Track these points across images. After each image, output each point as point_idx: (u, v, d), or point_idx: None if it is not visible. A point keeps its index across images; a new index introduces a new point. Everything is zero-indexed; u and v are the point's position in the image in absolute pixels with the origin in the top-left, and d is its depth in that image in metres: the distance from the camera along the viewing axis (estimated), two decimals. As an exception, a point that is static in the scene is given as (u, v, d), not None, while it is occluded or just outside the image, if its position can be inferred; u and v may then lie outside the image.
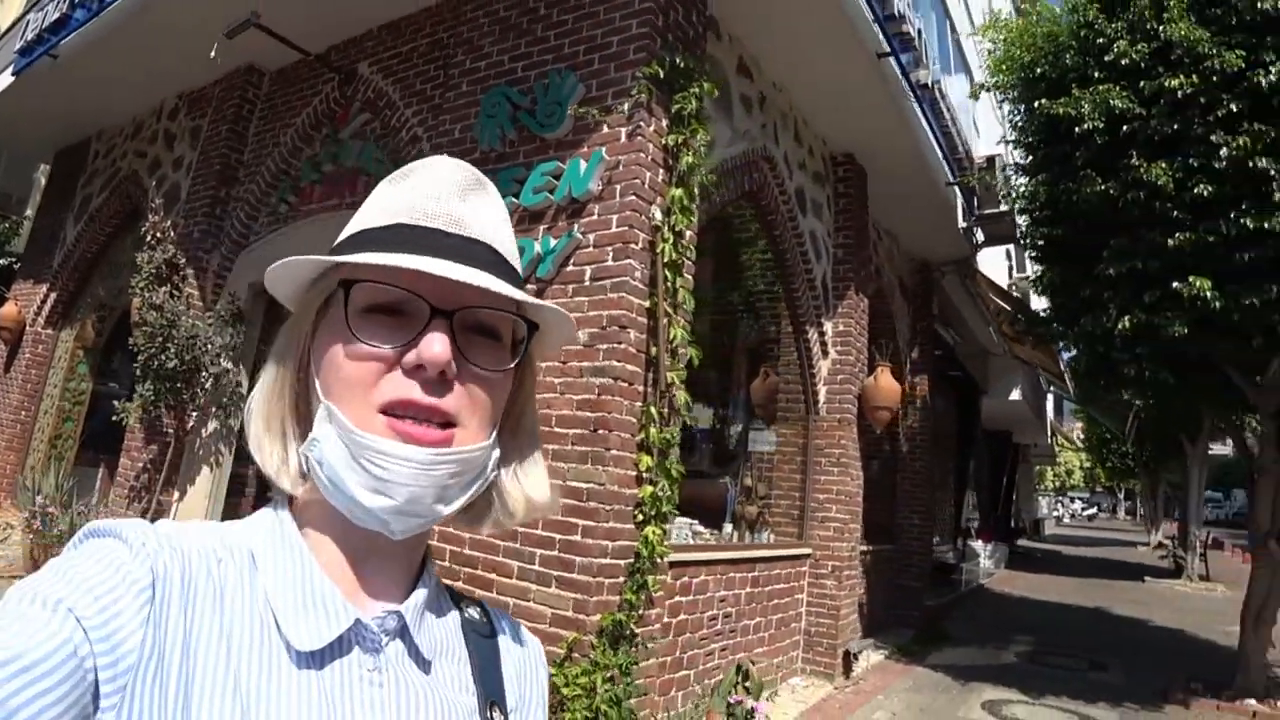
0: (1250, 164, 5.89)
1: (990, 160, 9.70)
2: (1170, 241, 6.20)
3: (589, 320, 4.16)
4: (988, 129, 13.33)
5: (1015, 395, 16.02)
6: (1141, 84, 6.48)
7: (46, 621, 0.54)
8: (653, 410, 4.24)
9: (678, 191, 4.35)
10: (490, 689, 0.77)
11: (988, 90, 8.56)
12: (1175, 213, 6.24)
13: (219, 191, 7.20)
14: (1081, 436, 43.92)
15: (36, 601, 0.56)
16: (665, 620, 4.83)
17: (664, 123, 4.48)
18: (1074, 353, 8.37)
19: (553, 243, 4.36)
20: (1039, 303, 10.08)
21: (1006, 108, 8.25)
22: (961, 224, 9.67)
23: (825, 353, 7.37)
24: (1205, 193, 6.06)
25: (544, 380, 4.19)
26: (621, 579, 4.04)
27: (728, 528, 6.87)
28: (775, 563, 6.61)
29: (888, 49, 6.46)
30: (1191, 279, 6.01)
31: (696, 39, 5.04)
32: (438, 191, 0.74)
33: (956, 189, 8.99)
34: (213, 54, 6.13)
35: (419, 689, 0.70)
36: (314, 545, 0.71)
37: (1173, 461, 22.90)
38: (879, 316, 9.33)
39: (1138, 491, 40.85)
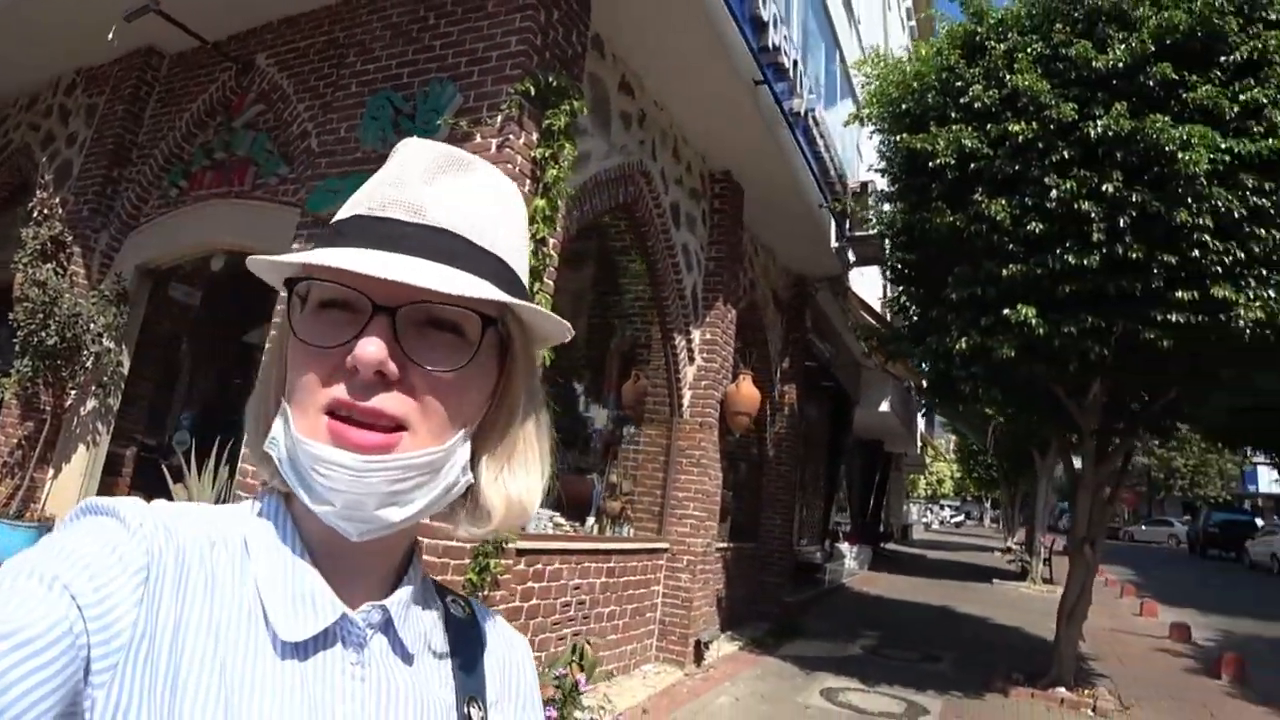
0: (1075, 205, 6.39)
1: (864, 186, 10.18)
2: (1005, 272, 6.68)
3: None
4: (870, 154, 13.90)
5: (885, 407, 16.68)
6: (989, 127, 6.94)
7: (43, 598, 0.54)
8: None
9: (541, 202, 4.53)
10: (470, 684, 0.77)
11: (860, 121, 8.97)
12: (1011, 246, 6.72)
13: (111, 171, 7.05)
14: (954, 448, 45.72)
15: (34, 577, 0.55)
16: (515, 604, 5.02)
17: (534, 136, 4.66)
18: (924, 368, 8.85)
19: (421, 242, 4.50)
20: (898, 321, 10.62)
21: (877, 138, 8.66)
22: (834, 244, 10.12)
23: (691, 359, 7.66)
24: (1037, 230, 6.55)
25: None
26: (466, 560, 4.20)
27: (590, 521, 7.09)
28: (632, 555, 6.86)
29: (762, 77, 6.77)
30: (1019, 307, 6.49)
31: (575, 58, 5.23)
32: (401, 176, 0.71)
33: (829, 210, 9.41)
34: (110, 37, 6.05)
35: (400, 683, 0.70)
36: (305, 536, 0.70)
37: (1028, 473, 24.04)
38: (751, 327, 9.69)
39: (1000, 501, 42.63)
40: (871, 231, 9.31)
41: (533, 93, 4.59)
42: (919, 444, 26.61)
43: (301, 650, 0.64)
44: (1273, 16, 6.67)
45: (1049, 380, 7.51)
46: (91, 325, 6.31)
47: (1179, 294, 6.20)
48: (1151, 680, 8.91)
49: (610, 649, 6.45)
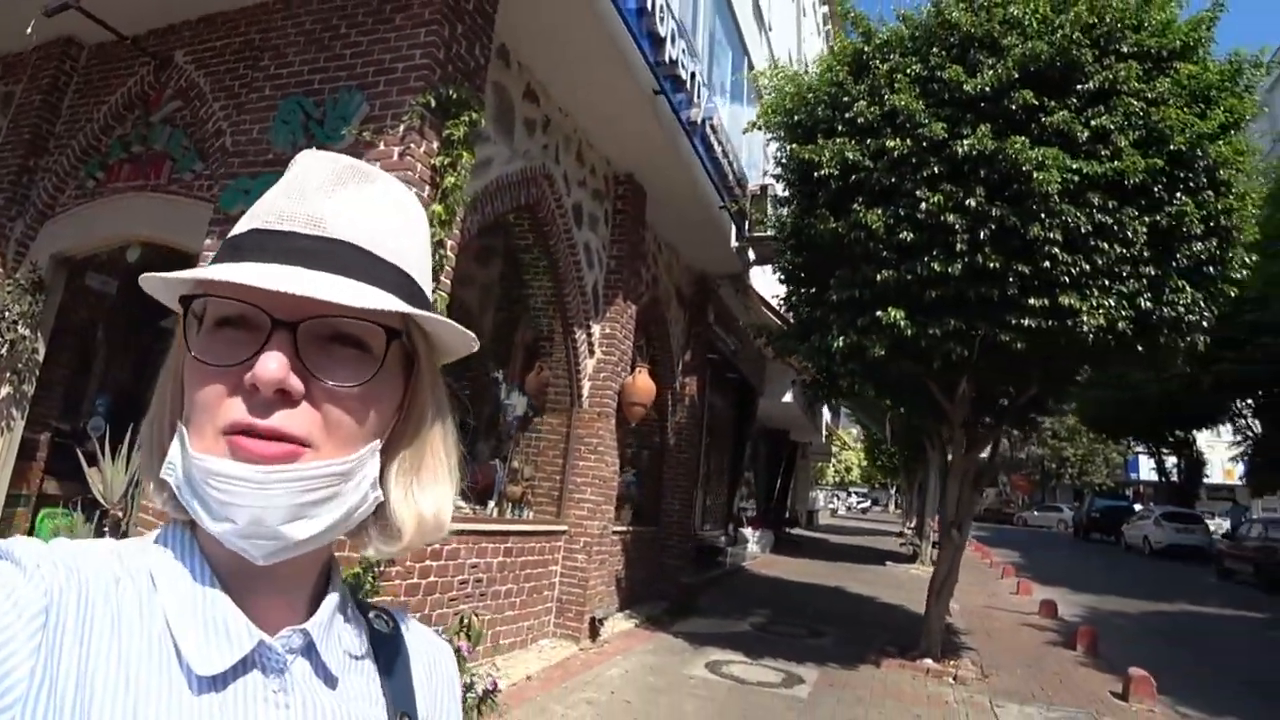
0: (942, 217, 6.87)
1: (763, 189, 10.58)
2: (879, 277, 7.14)
3: (350, 315, 4.51)
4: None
5: (788, 398, 17.19)
6: (870, 141, 7.38)
7: None
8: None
9: (438, 207, 4.78)
10: (399, 699, 0.75)
11: (758, 129, 9.36)
12: (885, 253, 7.17)
13: (28, 160, 6.99)
14: (861, 436, 47.02)
15: None
16: (413, 580, 5.28)
17: (434, 145, 4.89)
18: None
19: (326, 243, 4.70)
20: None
21: (774, 145, 9.07)
22: (734, 243, 10.52)
23: (591, 352, 7.98)
24: (908, 238, 7.01)
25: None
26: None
27: (491, 504, 7.37)
28: (530, 536, 7.16)
29: (659, 88, 7.10)
30: (890, 309, 6.96)
31: (477, 70, 5.46)
32: (300, 188, 0.68)
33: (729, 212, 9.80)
34: (29, 31, 6.05)
35: (326, 706, 0.67)
36: (214, 563, 0.66)
37: (923, 461, 24.96)
38: (654, 321, 10.04)
39: (901, 487, 44.00)
40: (768, 233, 9.72)
41: (433, 105, 4.83)
42: (824, 434, 27.37)
43: (219, 682, 0.62)
44: (1125, 50, 7.24)
45: (920, 377, 8.04)
46: (6, 313, 6.33)
47: (1031, 301, 6.73)
48: (1013, 652, 9.57)
49: (508, 624, 6.75)
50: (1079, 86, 7.13)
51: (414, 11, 5.07)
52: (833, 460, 46.20)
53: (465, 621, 5.33)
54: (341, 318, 0.64)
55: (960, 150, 6.91)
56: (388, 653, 0.77)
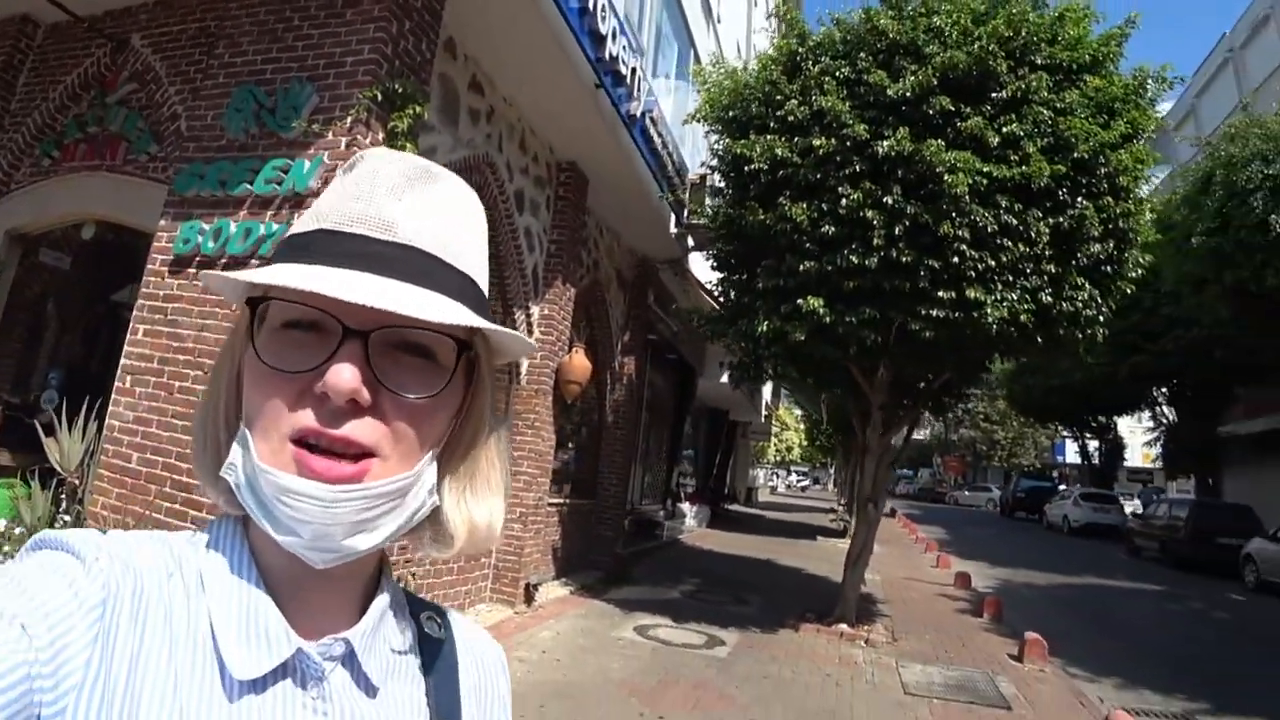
0: (862, 213, 7.26)
1: (702, 178, 10.88)
2: (802, 267, 7.52)
3: (298, 296, 4.73)
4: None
5: (726, 378, 17.60)
6: (798, 139, 7.73)
7: (3, 638, 0.52)
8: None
9: (383, 196, 4.99)
10: (444, 708, 0.73)
11: (697, 121, 9.64)
12: (808, 245, 7.55)
13: (-17, 138, 6.99)
14: (803, 417, 47.82)
15: None
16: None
17: (380, 136, 5.11)
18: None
19: (275, 227, 4.89)
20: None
21: (712, 138, 9.38)
22: (673, 230, 10.83)
23: (530, 333, 8.26)
24: (829, 232, 7.40)
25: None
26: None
27: (433, 476, 7.63)
28: (469, 507, 7.43)
29: (600, 83, 7.35)
30: (810, 298, 7.34)
31: (424, 64, 5.67)
32: (369, 190, 0.66)
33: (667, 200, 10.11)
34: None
35: (365, 716, 0.66)
36: (262, 564, 0.66)
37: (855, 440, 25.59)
38: (595, 303, 10.34)
39: (838, 466, 44.91)
40: (703, 221, 10.04)
41: (380, 99, 5.05)
42: (763, 414, 27.93)
43: (258, 686, 0.61)
44: (1038, 61, 7.67)
45: (841, 361, 8.45)
46: (-40, 289, 6.40)
47: (941, 293, 7.17)
48: (925, 619, 10.10)
49: (445, 589, 7.03)
50: (993, 95, 7.55)
51: (363, 7, 5.23)
52: (774, 440, 46.92)
53: (401, 584, 5.60)
54: (412, 328, 0.63)
55: (881, 151, 7.29)
56: (435, 658, 0.75)
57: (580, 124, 7.91)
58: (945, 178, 7.01)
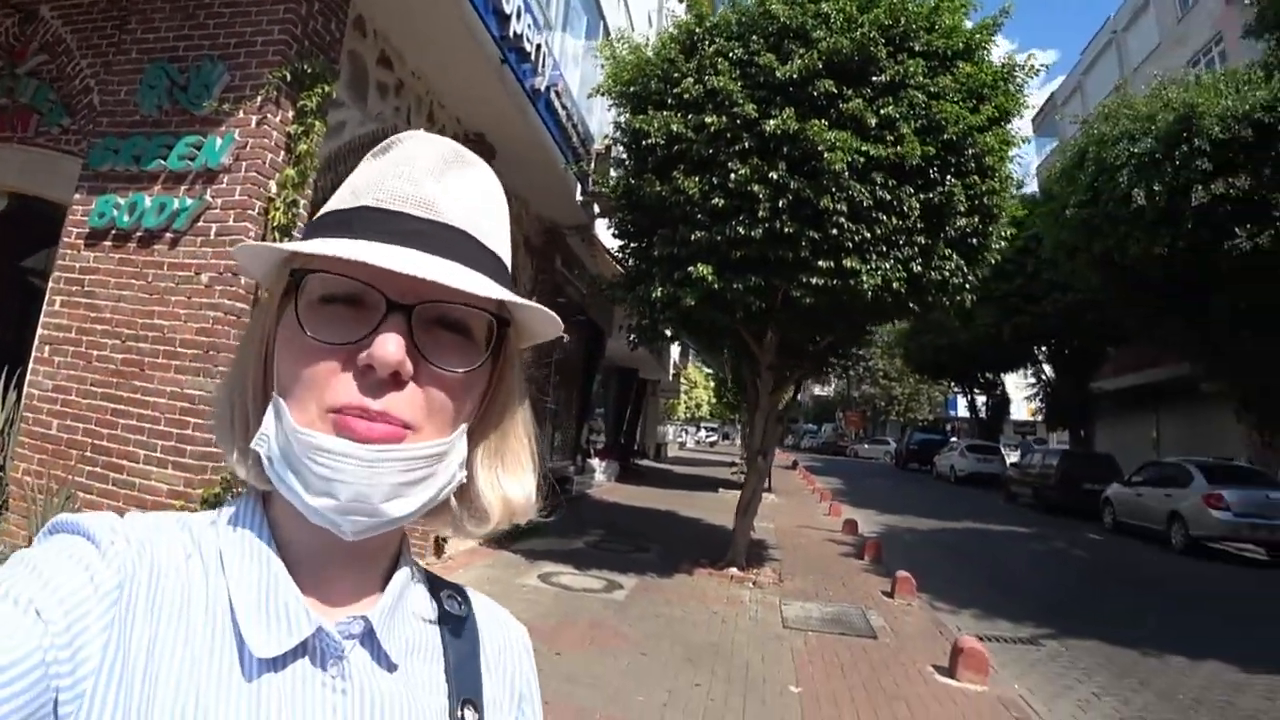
0: (749, 187, 7.68)
1: (608, 149, 11.17)
2: (693, 237, 7.94)
3: (210, 267, 4.93)
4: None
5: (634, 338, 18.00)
6: (692, 116, 8.09)
7: (17, 623, 0.52)
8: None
9: (291, 171, 5.17)
10: (465, 686, 0.72)
11: (601, 95, 9.90)
12: (699, 216, 7.96)
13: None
14: (710, 374, 48.67)
15: (7, 600, 0.53)
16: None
17: (289, 114, 5.27)
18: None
19: (189, 202, 5.04)
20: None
21: (614, 111, 9.67)
22: (579, 198, 11.12)
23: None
24: (719, 204, 7.81)
25: (170, 310, 4.95)
26: (222, 464, 4.93)
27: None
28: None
29: (505, 58, 7.57)
30: (700, 266, 7.76)
31: (333, 43, 5.82)
32: (410, 170, 0.67)
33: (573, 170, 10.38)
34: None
35: (384, 694, 0.65)
36: (282, 541, 0.66)
37: (760, 400, 26.37)
38: (503, 268, 10.56)
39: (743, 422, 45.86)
40: (605, 191, 10.35)
41: (289, 78, 5.21)
42: (671, 372, 28.51)
43: (278, 664, 0.61)
44: (916, 48, 8.15)
45: (732, 325, 8.93)
46: None
47: (820, 263, 7.66)
48: (811, 562, 10.78)
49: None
50: (873, 79, 8.01)
51: (274, -12, 5.39)
52: (684, 397, 47.70)
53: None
54: (453, 304, 0.64)
55: (768, 129, 7.70)
56: (456, 636, 0.75)
57: (486, 97, 8.12)
58: (826, 155, 7.46)
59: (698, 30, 8.68)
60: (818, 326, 9.17)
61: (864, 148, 7.62)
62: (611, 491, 18.25)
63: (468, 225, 0.67)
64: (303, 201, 5.35)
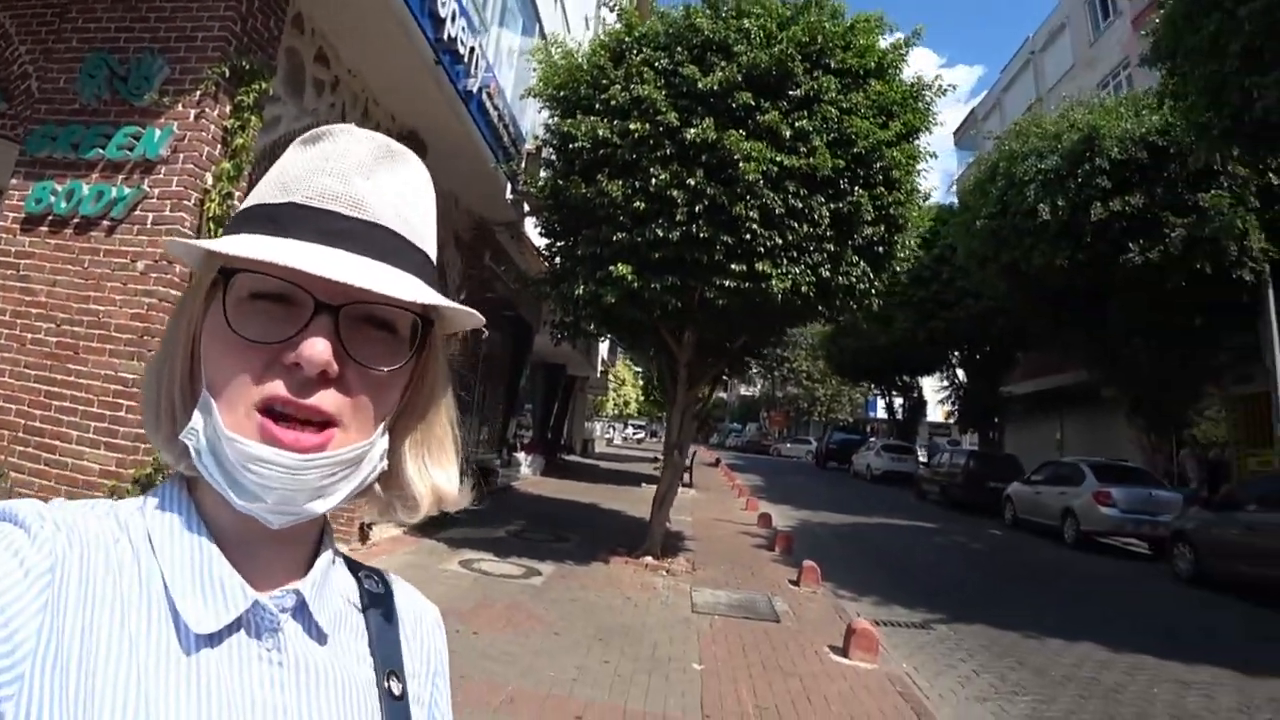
0: (669, 192, 8.07)
1: (539, 149, 11.43)
2: (615, 238, 8.30)
3: (146, 255, 5.11)
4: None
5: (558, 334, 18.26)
6: (618, 122, 8.43)
7: None
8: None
9: (227, 164, 5.36)
10: (388, 658, 0.75)
11: (533, 98, 10.17)
12: (621, 218, 8.33)
13: None
14: (639, 372, 49.16)
15: None
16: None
17: (227, 109, 5.45)
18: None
19: (126, 191, 5.19)
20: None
21: (545, 113, 9.96)
22: (509, 196, 11.37)
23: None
24: (640, 207, 8.18)
25: (106, 295, 5.11)
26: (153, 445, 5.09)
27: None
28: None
29: (439, 60, 7.81)
30: (619, 265, 8.12)
31: (271, 40, 6.00)
32: (341, 167, 0.67)
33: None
34: None
35: (318, 664, 0.68)
36: (210, 524, 0.66)
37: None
38: (432, 263, 10.75)
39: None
40: (533, 191, 10.63)
41: (228, 74, 5.40)
42: (599, 369, 28.83)
43: (214, 640, 0.62)
44: (832, 65, 8.62)
45: (651, 323, 9.32)
46: None
47: (734, 266, 8.10)
48: (724, 553, 11.24)
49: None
50: (790, 93, 8.47)
51: (215, -15, 5.56)
52: (612, 394, 48.11)
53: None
54: (381, 304, 0.65)
55: (688, 137, 8.10)
56: (376, 612, 0.78)
57: (420, 96, 8.33)
58: (741, 165, 7.88)
59: (627, 39, 9.04)
60: (732, 326, 9.60)
61: (778, 158, 8.06)
62: (537, 485, 18.51)
63: (396, 223, 0.68)
64: (237, 194, 5.52)
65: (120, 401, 4.99)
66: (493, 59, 10.14)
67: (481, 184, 10.77)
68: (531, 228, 13.04)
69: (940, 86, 9.37)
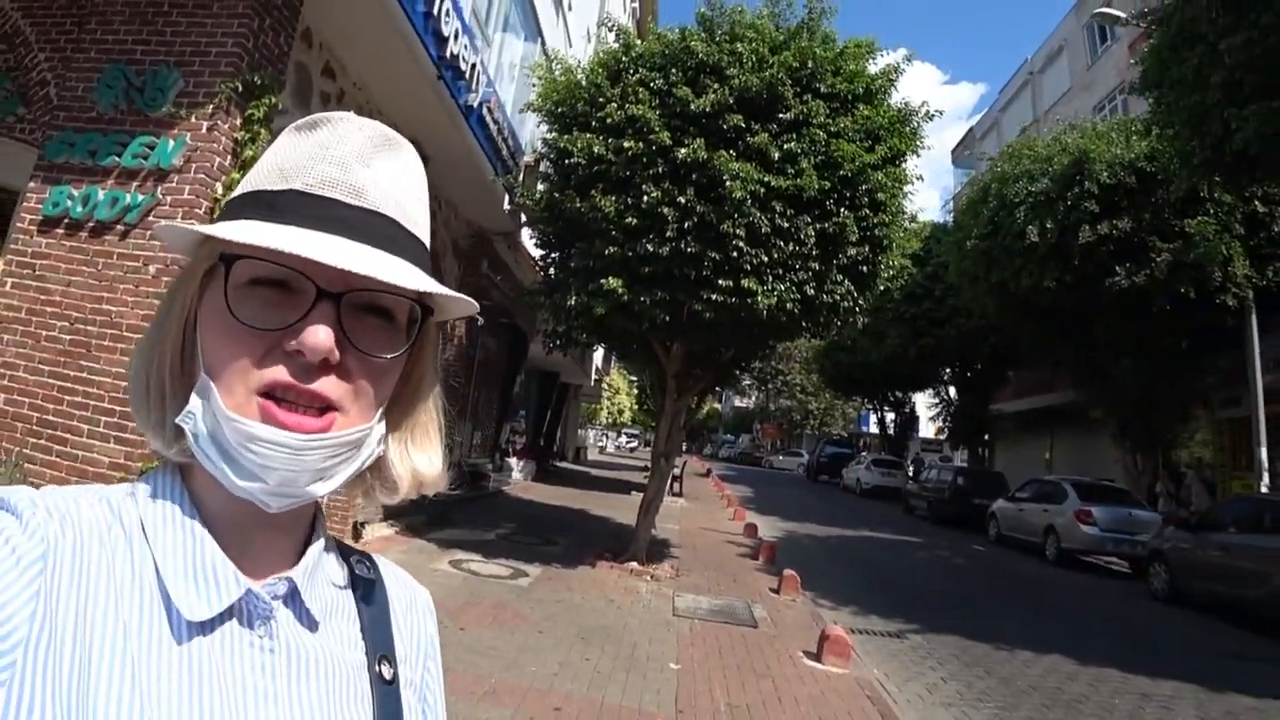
0: (660, 209, 8.36)
1: (537, 161, 11.73)
2: (607, 252, 8.58)
3: (158, 259, 5.37)
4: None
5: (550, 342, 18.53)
6: (613, 140, 8.72)
7: None
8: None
9: (237, 174, 5.63)
10: (379, 643, 0.76)
11: (532, 112, 10.46)
12: (614, 233, 8.60)
13: None
14: (633, 381, 49.41)
15: None
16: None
17: (238, 121, 5.72)
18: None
19: (140, 198, 5.47)
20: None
21: (544, 128, 10.26)
22: (506, 207, 11.67)
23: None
24: (632, 223, 8.46)
25: (118, 297, 5.38)
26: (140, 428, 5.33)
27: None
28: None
29: (441, 75, 8.11)
30: (610, 279, 8.41)
31: (281, 55, 6.27)
32: (341, 154, 0.67)
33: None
34: None
35: (310, 650, 0.68)
36: (202, 510, 0.67)
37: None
38: (430, 271, 11.04)
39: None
40: (529, 203, 10.92)
41: (240, 89, 5.68)
42: (593, 378, 29.11)
43: (207, 627, 0.62)
44: (821, 89, 8.92)
45: (641, 334, 9.60)
46: None
47: (721, 281, 8.38)
48: (709, 560, 11.51)
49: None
50: (779, 116, 8.75)
51: (228, 3, 5.78)
52: (606, 403, 48.32)
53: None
54: (381, 292, 0.65)
55: (680, 156, 8.38)
56: (368, 597, 0.78)
57: (423, 109, 8.63)
58: (729, 184, 8.18)
59: (624, 59, 9.34)
60: (720, 340, 9.88)
61: (766, 178, 8.35)
62: (528, 490, 18.72)
63: (394, 211, 0.69)
64: (245, 205, 5.80)
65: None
66: (494, 73, 10.47)
67: (480, 194, 11.08)
68: (527, 238, 13.33)
69: (927, 112, 9.67)
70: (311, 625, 0.70)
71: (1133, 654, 8.48)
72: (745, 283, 8.33)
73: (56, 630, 0.56)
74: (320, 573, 0.73)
